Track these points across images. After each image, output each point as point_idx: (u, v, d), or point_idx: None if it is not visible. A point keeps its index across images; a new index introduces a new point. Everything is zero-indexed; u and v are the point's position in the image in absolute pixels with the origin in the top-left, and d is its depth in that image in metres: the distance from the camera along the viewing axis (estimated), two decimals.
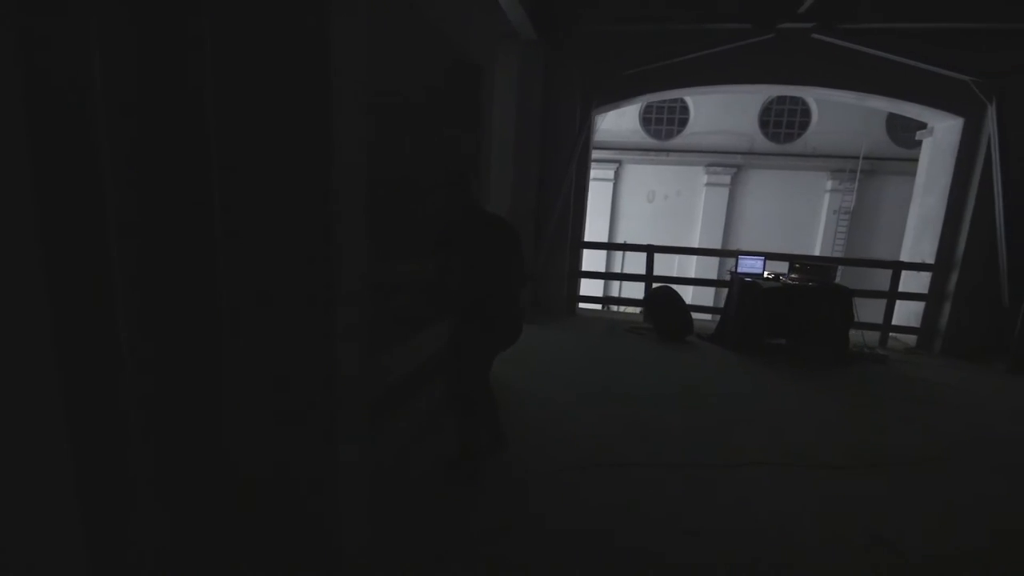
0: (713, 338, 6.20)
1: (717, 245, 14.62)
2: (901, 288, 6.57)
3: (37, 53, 1.18)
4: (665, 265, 7.46)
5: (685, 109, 14.76)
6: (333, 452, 1.90)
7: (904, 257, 6.86)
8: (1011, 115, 5.54)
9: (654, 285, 6.95)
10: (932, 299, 6.32)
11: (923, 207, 6.58)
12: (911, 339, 6.59)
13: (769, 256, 6.34)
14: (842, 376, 5.20)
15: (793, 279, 5.93)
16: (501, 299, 2.76)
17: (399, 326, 3.11)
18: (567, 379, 4.63)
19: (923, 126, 6.86)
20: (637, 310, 7.81)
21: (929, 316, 6.38)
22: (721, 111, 14.43)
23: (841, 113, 13.53)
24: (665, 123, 15.00)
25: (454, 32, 3.51)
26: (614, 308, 10.27)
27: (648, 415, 3.92)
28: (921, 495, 2.99)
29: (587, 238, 7.77)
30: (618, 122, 14.52)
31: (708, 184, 14.86)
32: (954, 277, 6.09)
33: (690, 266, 14.12)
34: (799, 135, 14.47)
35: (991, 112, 5.60)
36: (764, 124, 14.53)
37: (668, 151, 14.93)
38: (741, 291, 5.92)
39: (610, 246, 12.81)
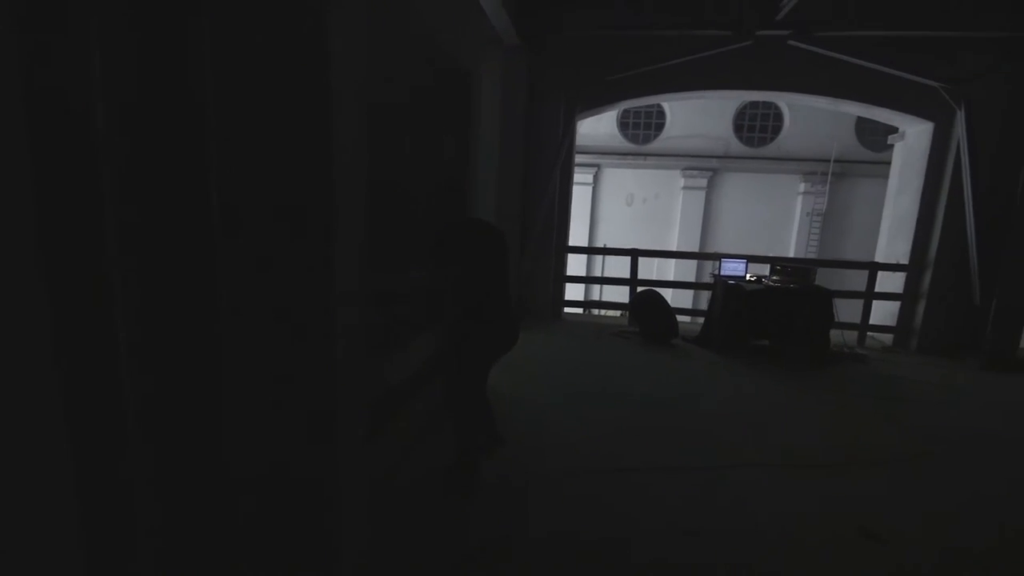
0: (698, 340, 6.27)
1: (695, 247, 14.84)
2: (877, 288, 6.74)
3: (37, 63, 1.14)
4: (644, 268, 7.59)
5: (662, 114, 14.96)
6: (332, 452, 1.88)
7: (879, 258, 7.04)
8: (979, 120, 5.74)
9: (639, 289, 7.00)
10: (907, 298, 6.51)
11: (896, 208, 6.77)
12: (888, 338, 6.77)
13: (751, 259, 6.45)
14: (825, 376, 5.31)
15: (775, 281, 6.03)
16: (498, 304, 2.78)
17: (394, 332, 3.07)
18: (558, 384, 4.61)
19: (893, 130, 7.07)
20: (618, 313, 7.87)
21: (905, 315, 6.56)
22: (697, 116, 14.67)
23: (812, 117, 13.88)
24: (642, 127, 15.18)
25: (445, 38, 3.49)
26: (596, 312, 10.31)
27: (640, 418, 3.94)
28: (915, 493, 3.05)
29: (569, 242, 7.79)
30: (596, 127, 14.65)
31: (685, 187, 15.08)
32: (928, 277, 6.28)
33: (669, 269, 14.30)
34: (772, 139, 14.79)
35: (960, 117, 5.80)
36: (739, 128, 14.82)
37: (646, 155, 15.12)
38: (725, 294, 6.00)
39: (595, 250, 12.90)
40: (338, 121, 1.70)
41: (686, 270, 14.26)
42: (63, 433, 1.31)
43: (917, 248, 6.35)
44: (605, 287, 11.74)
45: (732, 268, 6.25)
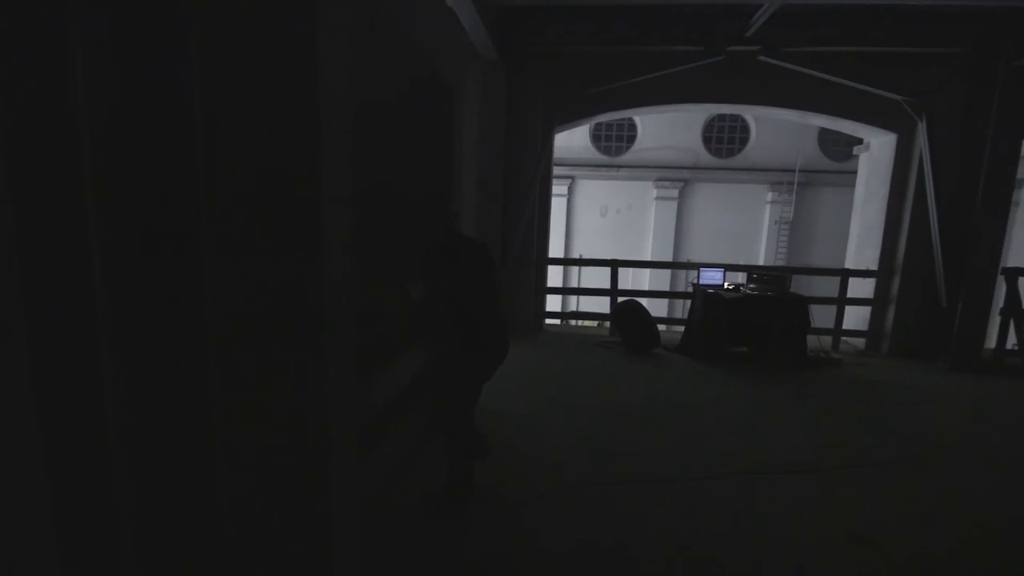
0: (679, 349, 6.34)
1: (669, 256, 15.09)
2: (849, 294, 6.94)
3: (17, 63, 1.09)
4: (620, 278, 7.75)
5: (633, 126, 15.24)
6: (323, 463, 1.82)
7: (849, 264, 7.26)
8: (939, 131, 6.00)
9: (619, 299, 7.05)
10: (878, 304, 6.72)
11: (864, 217, 7.01)
12: (860, 342, 6.96)
13: (728, 267, 6.57)
14: (803, 381, 5.41)
15: (752, 289, 6.15)
16: (488, 319, 2.75)
17: (382, 350, 3.01)
18: (543, 396, 4.59)
19: (856, 141, 7.34)
20: (595, 323, 7.91)
21: (876, 320, 6.77)
22: (666, 128, 14.99)
23: (777, 129, 14.33)
24: (615, 140, 15.44)
25: (428, 52, 3.48)
26: (573, 323, 10.35)
27: (627, 427, 3.96)
28: (899, 494, 3.12)
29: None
30: (570, 139, 14.82)
31: (657, 198, 15.36)
32: (896, 282, 6.50)
33: (644, 278, 14.48)
34: (739, 150, 15.20)
35: (921, 128, 6.06)
36: (707, 140, 15.20)
37: (618, 167, 15.36)
38: (704, 303, 6.09)
39: (575, 261, 12.98)
40: (325, 124, 1.66)
41: (660, 279, 14.48)
42: (39, 443, 1.29)
43: (885, 255, 6.58)
44: (582, 298, 11.82)
45: (710, 277, 6.35)
